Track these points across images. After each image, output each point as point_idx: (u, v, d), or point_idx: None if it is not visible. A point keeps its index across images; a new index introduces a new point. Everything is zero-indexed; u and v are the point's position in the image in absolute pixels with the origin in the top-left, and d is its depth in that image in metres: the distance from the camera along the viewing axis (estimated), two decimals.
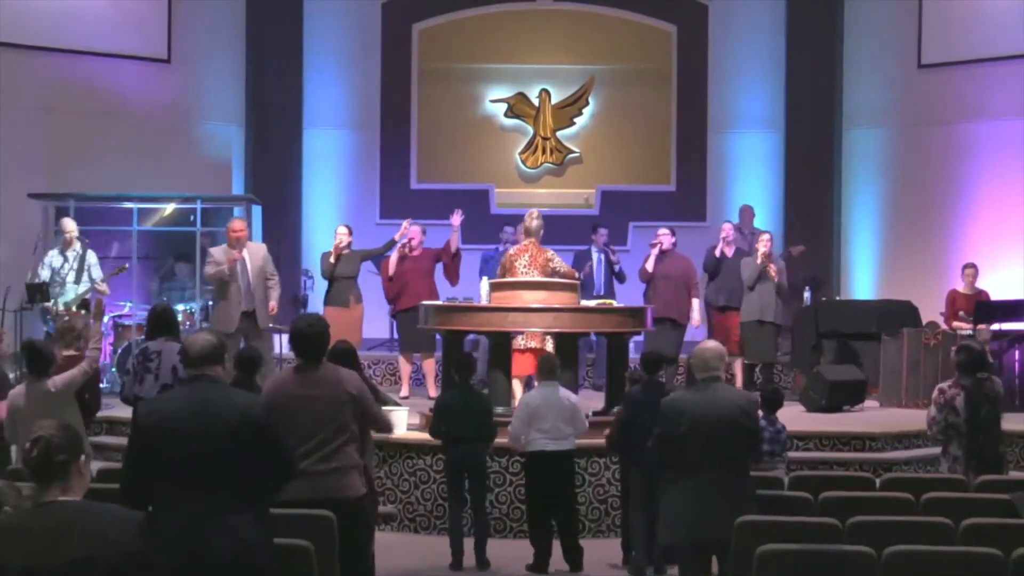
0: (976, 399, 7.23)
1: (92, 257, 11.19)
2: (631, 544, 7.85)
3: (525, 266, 9.75)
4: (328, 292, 11.44)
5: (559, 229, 12.70)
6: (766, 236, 11.78)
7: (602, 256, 12.28)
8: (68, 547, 3.34)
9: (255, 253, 10.64)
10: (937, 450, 9.64)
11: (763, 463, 7.16)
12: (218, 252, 10.58)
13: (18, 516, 3.53)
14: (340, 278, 11.31)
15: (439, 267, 11.71)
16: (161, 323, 7.98)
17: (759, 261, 11.47)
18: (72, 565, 3.33)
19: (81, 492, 3.50)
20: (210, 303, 12.40)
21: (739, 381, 11.67)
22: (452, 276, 11.69)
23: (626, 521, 7.98)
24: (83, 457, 3.53)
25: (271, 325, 10.80)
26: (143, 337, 8.63)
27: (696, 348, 5.92)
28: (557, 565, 7.83)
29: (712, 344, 5.92)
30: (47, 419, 3.63)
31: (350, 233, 11.48)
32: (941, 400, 7.32)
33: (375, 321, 13.41)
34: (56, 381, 7.22)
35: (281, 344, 12.05)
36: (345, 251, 11.33)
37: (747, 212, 13.62)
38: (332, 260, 11.29)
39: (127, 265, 11.89)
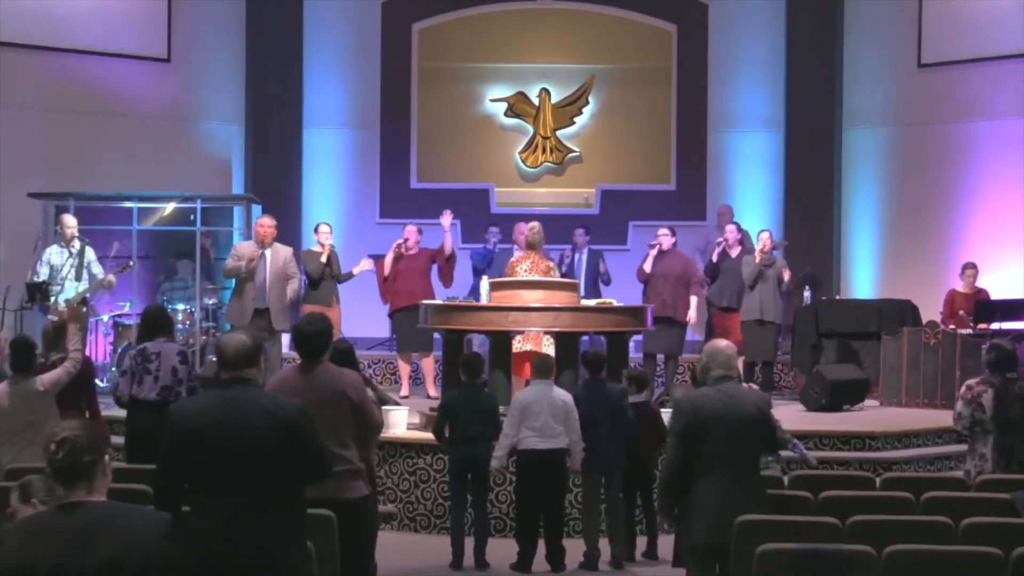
0: (1006, 398, 7.19)
1: (91, 254, 11.19)
2: (586, 542, 7.93)
3: (526, 271, 9.88)
4: (311, 291, 11.44)
5: (559, 229, 12.70)
6: (764, 234, 11.77)
7: (581, 256, 12.33)
8: (98, 548, 3.33)
9: (278, 253, 10.74)
10: (937, 449, 9.73)
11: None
12: (243, 247, 10.67)
13: (46, 516, 3.49)
14: (327, 277, 11.33)
15: (435, 268, 11.72)
16: (156, 324, 7.95)
17: (758, 260, 11.47)
18: (102, 566, 3.31)
19: (104, 492, 3.48)
20: (210, 302, 12.42)
21: None
22: (446, 279, 11.69)
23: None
24: (107, 457, 3.52)
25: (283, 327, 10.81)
26: (136, 339, 8.57)
27: (708, 346, 5.83)
28: (539, 564, 7.84)
29: (726, 343, 5.83)
30: (69, 420, 3.60)
31: (331, 232, 11.51)
32: (968, 396, 7.27)
33: (374, 321, 13.42)
34: (44, 380, 7.17)
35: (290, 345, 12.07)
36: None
37: (725, 212, 13.57)
38: (324, 260, 11.31)
39: (132, 263, 11.88)
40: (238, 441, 4.34)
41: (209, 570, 4.24)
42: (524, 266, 9.91)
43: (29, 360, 7.21)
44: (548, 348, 9.53)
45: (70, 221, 11.24)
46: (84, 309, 10.79)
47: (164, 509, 4.18)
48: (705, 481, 5.50)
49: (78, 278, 11.04)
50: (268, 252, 10.61)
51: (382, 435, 7.82)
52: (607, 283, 12.22)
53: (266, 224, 10.71)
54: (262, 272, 10.55)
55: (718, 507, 5.45)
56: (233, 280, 11.00)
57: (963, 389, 7.39)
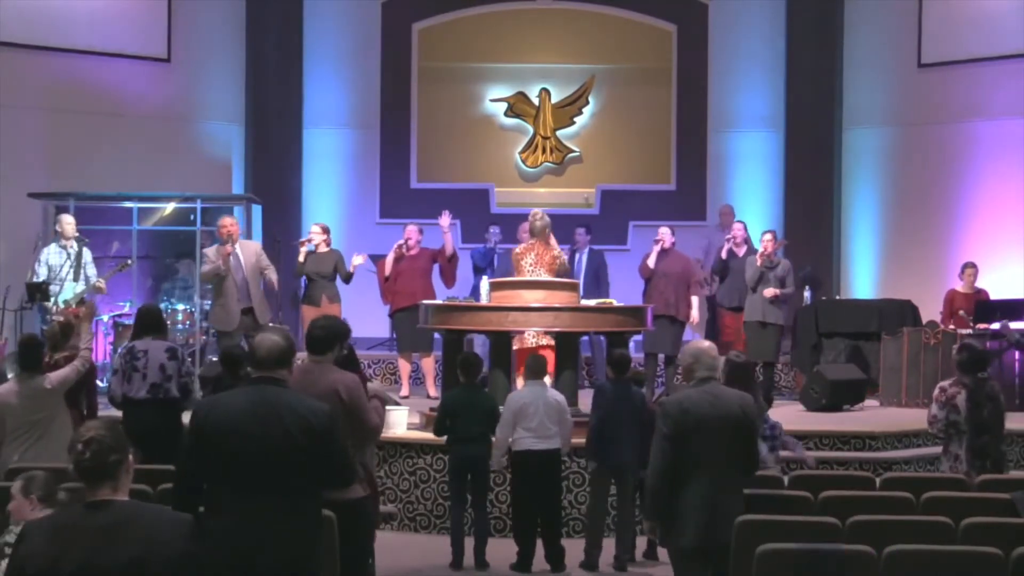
0: (978, 398, 7.23)
1: (87, 255, 11.18)
2: (589, 540, 7.91)
3: (531, 264, 9.80)
4: (304, 291, 11.47)
5: (559, 229, 12.64)
6: (767, 236, 11.75)
7: (582, 256, 12.31)
8: (123, 547, 3.35)
9: (248, 250, 10.73)
10: (937, 449, 9.69)
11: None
12: (212, 251, 10.64)
13: (71, 514, 3.50)
14: (316, 277, 11.33)
15: (436, 267, 11.72)
16: (147, 323, 7.97)
17: (759, 263, 11.45)
18: (127, 565, 3.34)
19: (127, 491, 3.49)
20: (209, 302, 12.40)
21: None
22: (448, 279, 11.68)
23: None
24: (130, 456, 3.53)
25: (271, 324, 10.81)
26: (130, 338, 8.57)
27: (691, 346, 5.75)
28: (539, 565, 7.83)
29: (709, 343, 5.79)
30: (93, 420, 3.62)
31: (324, 232, 11.48)
32: (942, 398, 7.32)
33: (374, 321, 13.43)
34: (52, 379, 7.17)
35: None
36: (322, 249, 11.36)
37: (726, 212, 13.57)
38: (300, 259, 11.33)
39: (130, 262, 11.88)
40: (268, 442, 4.31)
41: (232, 571, 4.22)
42: (529, 259, 9.83)
43: (37, 358, 7.22)
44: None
45: (69, 221, 11.23)
46: (84, 309, 10.78)
47: (181, 507, 4.15)
48: (692, 483, 5.43)
49: (76, 278, 11.03)
50: (239, 250, 10.62)
51: (382, 435, 7.83)
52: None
53: (229, 223, 10.68)
54: (239, 271, 10.56)
55: (707, 509, 5.40)
56: (210, 286, 10.97)
57: (936, 391, 7.41)
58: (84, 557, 3.33)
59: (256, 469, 4.30)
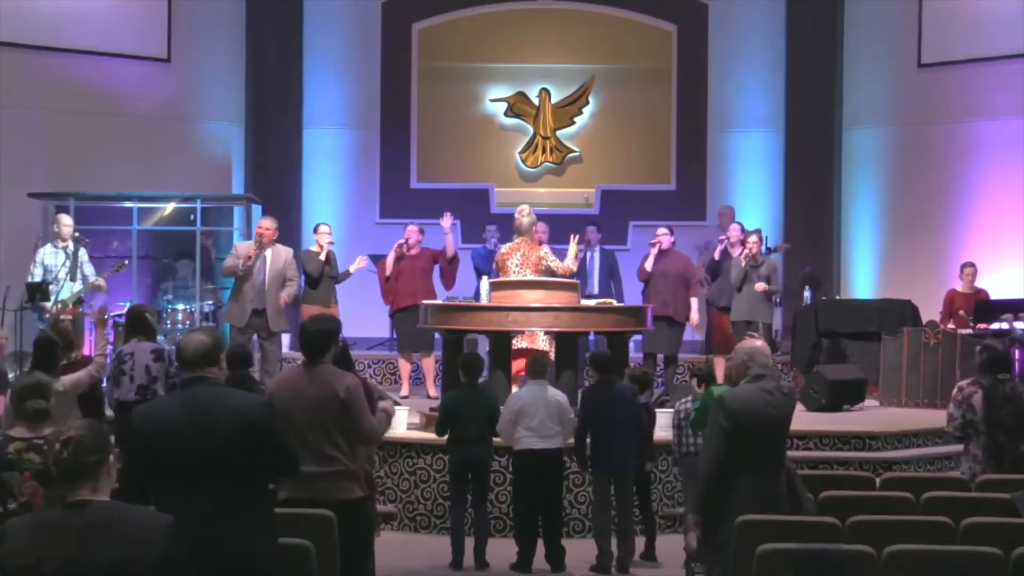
0: (995, 398, 7.18)
1: (84, 255, 11.16)
2: (599, 545, 7.88)
3: (517, 265, 9.72)
4: (309, 291, 11.38)
5: (559, 229, 12.66)
6: (753, 237, 11.73)
7: (595, 255, 12.29)
8: (105, 547, 3.36)
9: (279, 255, 10.65)
10: (937, 449, 9.73)
11: None
12: (242, 246, 10.65)
13: (51, 514, 3.51)
14: (325, 278, 11.33)
15: (436, 268, 11.71)
16: (134, 324, 7.99)
17: (743, 263, 11.43)
18: (109, 566, 3.34)
19: (107, 492, 3.50)
20: (209, 303, 12.41)
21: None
22: (448, 280, 11.66)
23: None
24: (111, 457, 3.53)
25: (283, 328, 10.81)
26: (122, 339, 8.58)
27: (745, 344, 5.75)
28: (539, 564, 7.83)
29: (762, 342, 5.80)
30: (75, 419, 3.62)
31: (331, 232, 11.50)
32: (959, 398, 7.28)
33: (374, 321, 13.43)
34: (64, 381, 7.17)
35: (291, 344, 12.11)
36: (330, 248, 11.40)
37: (726, 213, 13.57)
38: (323, 259, 11.31)
39: (126, 262, 11.87)
40: (207, 441, 4.32)
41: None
42: (515, 259, 9.74)
43: (52, 359, 7.19)
44: (543, 346, 9.50)
45: (66, 221, 11.22)
46: (80, 309, 10.78)
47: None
48: (745, 478, 5.44)
49: (72, 278, 11.02)
50: (268, 253, 10.59)
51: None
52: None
53: (266, 226, 10.66)
54: (261, 273, 10.54)
55: (763, 505, 5.41)
56: (231, 280, 10.99)
57: (955, 391, 7.40)
58: (67, 557, 3.34)
59: (198, 470, 4.31)
